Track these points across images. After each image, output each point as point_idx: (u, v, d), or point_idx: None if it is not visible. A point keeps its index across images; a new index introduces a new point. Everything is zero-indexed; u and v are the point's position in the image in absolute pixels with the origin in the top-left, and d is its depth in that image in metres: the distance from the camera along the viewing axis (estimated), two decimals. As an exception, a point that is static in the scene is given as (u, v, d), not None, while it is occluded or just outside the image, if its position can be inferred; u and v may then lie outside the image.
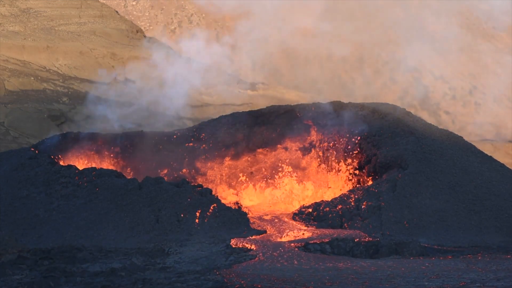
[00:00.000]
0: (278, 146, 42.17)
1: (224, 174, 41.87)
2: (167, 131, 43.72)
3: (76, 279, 23.92)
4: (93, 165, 39.75)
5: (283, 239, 31.46)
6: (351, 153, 39.94)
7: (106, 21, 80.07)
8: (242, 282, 22.24)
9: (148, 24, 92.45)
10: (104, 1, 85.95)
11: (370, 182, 37.83)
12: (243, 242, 30.09)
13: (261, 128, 42.21)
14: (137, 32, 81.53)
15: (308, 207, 36.14)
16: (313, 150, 41.76)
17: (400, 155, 36.95)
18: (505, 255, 29.47)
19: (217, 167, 41.87)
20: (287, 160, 41.83)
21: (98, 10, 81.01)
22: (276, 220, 35.56)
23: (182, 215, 32.98)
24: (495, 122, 78.90)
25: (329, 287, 21.57)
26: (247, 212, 35.69)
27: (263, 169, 42.01)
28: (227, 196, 40.95)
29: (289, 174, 41.68)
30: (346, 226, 33.73)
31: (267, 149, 42.21)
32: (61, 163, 38.82)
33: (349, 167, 39.97)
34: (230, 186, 41.87)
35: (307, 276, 23.36)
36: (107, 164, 40.87)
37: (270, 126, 42.27)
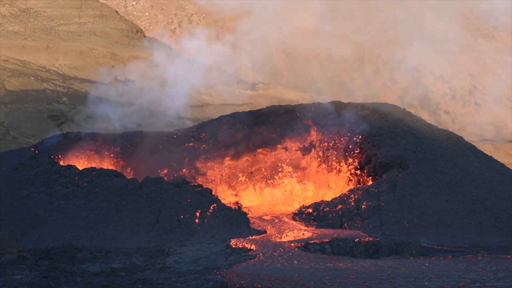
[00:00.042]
0: (278, 146, 42.16)
1: (224, 174, 41.87)
2: (167, 131, 43.72)
3: (76, 279, 23.92)
4: (93, 165, 39.74)
5: (283, 239, 31.46)
6: (351, 153, 39.93)
7: (106, 21, 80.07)
8: (242, 282, 22.24)
9: (148, 24, 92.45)
10: (104, 1, 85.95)
11: (370, 182, 37.83)
12: (243, 242, 30.09)
13: (261, 128, 42.20)
14: (137, 32, 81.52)
15: (308, 207, 36.14)
16: (313, 150, 41.75)
17: (400, 155, 36.95)
18: (505, 255, 29.47)
19: (217, 167, 41.86)
20: (287, 160, 41.83)
21: (98, 10, 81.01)
22: (276, 220, 35.56)
23: (182, 215, 32.98)
24: (495, 122, 78.90)
25: (329, 287, 21.57)
26: (247, 212, 35.68)
27: (263, 169, 42.01)
28: (227, 196, 40.95)
29: (289, 174, 41.68)
30: (346, 226, 33.73)
31: (267, 149, 42.20)
32: (61, 163, 38.81)
33: (349, 167, 39.97)
34: (230, 186, 41.87)
35: (307, 276, 23.36)
36: (107, 164, 40.87)
37: (270, 126, 42.26)
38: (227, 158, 41.96)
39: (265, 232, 32.99)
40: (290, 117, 42.22)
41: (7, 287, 22.88)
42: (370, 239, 30.46)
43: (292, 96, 72.06)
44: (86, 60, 72.33)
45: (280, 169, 41.78)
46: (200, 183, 39.94)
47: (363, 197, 34.94)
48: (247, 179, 41.88)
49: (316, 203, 36.33)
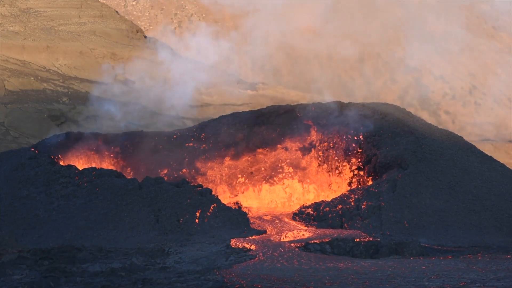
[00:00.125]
0: (278, 146, 42.17)
1: (224, 174, 41.87)
2: (167, 131, 43.73)
3: (76, 279, 23.93)
4: (93, 165, 39.75)
5: (283, 239, 31.46)
6: (351, 153, 39.94)
7: (106, 21, 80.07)
8: (242, 282, 22.24)
9: (148, 24, 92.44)
10: (104, 1, 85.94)
11: (370, 182, 37.84)
12: (243, 242, 30.10)
13: (261, 128, 42.21)
14: (137, 32, 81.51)
15: (308, 207, 36.14)
16: (313, 150, 41.76)
17: (400, 155, 36.95)
18: (505, 255, 29.47)
19: (217, 167, 41.87)
20: (287, 160, 41.84)
21: (98, 10, 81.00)
22: (276, 220, 35.56)
23: (182, 215, 32.99)
24: (495, 122, 78.90)
25: (329, 287, 21.57)
26: (247, 212, 35.69)
27: (263, 169, 42.02)
28: (227, 196, 40.96)
29: (289, 174, 41.68)
30: (346, 226, 33.74)
31: (267, 149, 42.21)
32: (61, 163, 38.82)
33: (349, 167, 39.97)
34: (230, 186, 41.87)
35: (307, 276, 23.37)
36: (107, 164, 40.88)
37: (270, 126, 42.27)
38: (227, 158, 41.96)
39: (265, 232, 32.99)
40: (290, 117, 42.22)
41: (7, 287, 22.89)
42: (370, 239, 30.47)
43: (292, 96, 72.06)
44: (86, 60, 72.33)
45: (280, 169, 41.79)
46: (200, 183, 39.94)
47: (363, 197, 34.95)
48: (247, 179, 41.88)
49: (316, 203, 36.34)
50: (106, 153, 41.29)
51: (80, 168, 36.52)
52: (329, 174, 40.95)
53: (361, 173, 39.18)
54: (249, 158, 42.15)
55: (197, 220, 32.89)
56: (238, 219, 33.45)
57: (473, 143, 41.30)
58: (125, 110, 52.14)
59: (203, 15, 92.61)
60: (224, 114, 44.72)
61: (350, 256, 29.42)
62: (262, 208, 39.87)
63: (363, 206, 34.41)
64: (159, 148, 41.34)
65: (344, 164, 40.25)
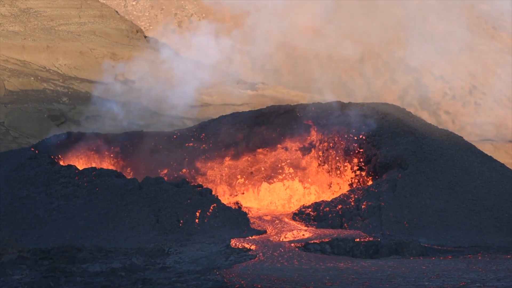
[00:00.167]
0: (278, 146, 42.17)
1: (224, 174, 41.87)
2: (167, 131, 43.74)
3: (76, 279, 23.93)
4: (93, 165, 39.75)
5: (283, 239, 31.46)
6: (351, 153, 39.95)
7: (106, 21, 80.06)
8: (242, 282, 22.24)
9: (148, 24, 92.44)
10: (104, 1, 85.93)
11: (370, 182, 37.84)
12: (243, 242, 30.10)
13: (261, 128, 42.21)
14: (137, 32, 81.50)
15: (308, 207, 36.15)
16: (313, 150, 41.76)
17: (400, 155, 36.95)
18: (505, 255, 29.47)
19: (217, 167, 41.86)
20: (287, 160, 41.84)
21: (98, 10, 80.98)
22: (276, 220, 35.57)
23: (182, 215, 32.98)
24: (495, 122, 78.88)
25: (329, 287, 21.57)
26: (247, 212, 35.69)
27: (263, 169, 42.01)
28: (227, 196, 40.96)
29: (289, 174, 41.68)
30: (346, 226, 33.74)
31: (267, 149, 42.21)
32: (61, 163, 38.82)
33: (349, 167, 39.97)
34: (230, 186, 41.87)
35: (307, 276, 23.37)
36: (107, 164, 40.87)
37: (270, 126, 42.27)
38: (227, 158, 41.96)
39: (265, 232, 32.99)
40: (290, 117, 42.22)
41: (7, 287, 22.89)
42: (370, 239, 30.47)
43: (292, 96, 72.05)
44: (86, 60, 72.32)
45: (280, 169, 41.78)
46: (200, 183, 39.94)
47: (363, 197, 34.95)
48: (247, 179, 41.87)
49: (316, 203, 36.35)
50: (106, 153, 41.30)
51: (80, 168, 36.52)
52: (329, 174, 40.95)
53: (361, 173, 39.18)
54: (249, 158, 42.15)
55: (197, 220, 32.89)
56: (238, 219, 33.46)
57: (473, 143, 41.30)
58: (125, 110, 52.13)
59: (203, 15, 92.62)
60: (224, 114, 44.73)
61: (350, 256, 29.42)
62: (262, 208, 39.87)
63: (363, 206, 34.41)
64: (159, 148, 41.34)
65: (344, 164, 40.25)
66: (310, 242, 30.08)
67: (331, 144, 41.06)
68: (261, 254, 27.99)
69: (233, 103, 68.16)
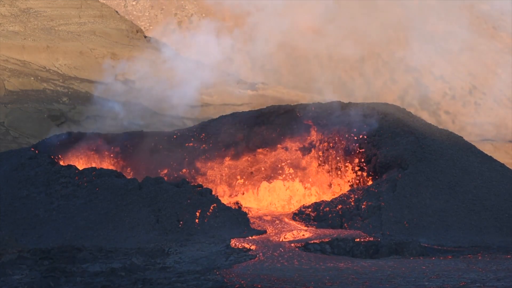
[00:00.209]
0: (278, 146, 42.17)
1: (224, 174, 41.87)
2: (167, 131, 43.75)
3: (76, 279, 23.93)
4: (93, 165, 39.75)
5: (283, 239, 31.46)
6: (351, 153, 39.95)
7: (106, 21, 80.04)
8: (242, 282, 22.24)
9: (148, 24, 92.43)
10: (104, 1, 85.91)
11: (370, 182, 37.85)
12: (243, 242, 30.09)
13: (261, 128, 42.21)
14: (137, 32, 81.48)
15: (308, 207, 36.15)
16: (313, 150, 41.76)
17: (400, 155, 36.95)
18: (505, 255, 29.47)
19: (217, 167, 41.86)
20: (287, 160, 41.84)
21: (98, 10, 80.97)
22: (276, 220, 35.57)
23: (182, 215, 32.98)
24: (495, 122, 78.87)
25: (329, 287, 21.57)
26: (247, 212, 35.69)
27: (263, 169, 42.02)
28: (227, 196, 40.96)
29: (289, 174, 41.68)
30: (346, 226, 33.74)
31: (267, 149, 42.21)
32: (61, 163, 38.82)
33: (349, 167, 39.98)
34: (230, 186, 41.88)
35: (307, 276, 23.37)
36: (107, 164, 40.88)
37: (270, 126, 42.27)
38: (227, 158, 41.96)
39: (265, 232, 32.99)
40: (290, 117, 42.22)
41: (7, 287, 22.89)
42: (370, 239, 30.47)
43: (292, 96, 72.04)
44: (86, 60, 72.31)
45: (280, 169, 41.78)
46: (200, 183, 39.94)
47: (363, 197, 34.95)
48: (247, 179, 41.87)
49: (316, 203, 36.35)
50: (106, 153, 41.30)
51: (80, 168, 36.51)
52: (329, 174, 40.95)
53: (361, 173, 39.19)
54: (249, 158, 42.15)
55: (197, 220, 32.89)
56: (238, 219, 33.46)
57: (473, 143, 41.31)
58: (125, 110, 52.14)
59: (203, 15, 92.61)
60: (224, 114, 44.73)
61: (350, 256, 29.42)
62: (262, 208, 39.87)
63: (363, 206, 34.41)
64: (159, 148, 41.34)
65: (344, 164, 40.25)
66: (310, 242, 30.08)
67: (331, 144, 41.06)
68: (261, 254, 27.99)
69: (233, 103, 68.16)
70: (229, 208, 34.16)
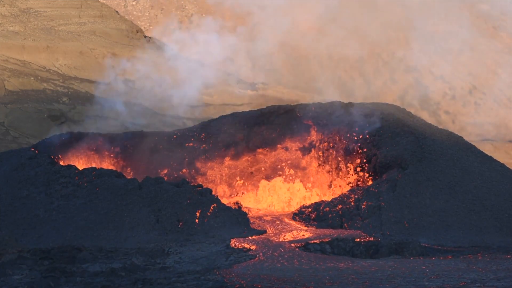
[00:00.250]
0: (278, 146, 42.17)
1: (224, 174, 41.88)
2: (167, 131, 43.75)
3: (76, 279, 23.93)
4: (93, 165, 39.75)
5: (283, 239, 31.46)
6: (351, 153, 39.94)
7: (106, 21, 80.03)
8: (242, 282, 22.24)
9: (148, 24, 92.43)
10: (104, 1, 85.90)
11: (370, 182, 37.84)
12: (243, 242, 30.09)
13: (261, 128, 42.21)
14: (137, 32, 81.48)
15: (308, 207, 36.15)
16: (313, 150, 41.76)
17: (400, 155, 36.95)
18: (505, 255, 29.47)
19: (217, 167, 41.87)
20: (287, 160, 41.84)
21: (98, 10, 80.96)
22: (276, 220, 35.57)
23: (182, 215, 32.98)
24: (495, 122, 78.84)
25: (329, 287, 21.57)
26: (247, 212, 35.69)
27: (263, 169, 42.02)
28: (227, 196, 40.96)
29: (289, 174, 41.68)
30: (346, 226, 33.74)
31: (267, 149, 42.21)
32: (61, 163, 38.82)
33: (349, 167, 39.98)
34: (230, 186, 41.88)
35: (308, 276, 23.37)
36: (107, 164, 40.88)
37: (270, 126, 42.28)
38: (227, 158, 41.96)
39: (265, 232, 32.99)
40: (290, 117, 42.23)
41: (7, 287, 22.89)
42: (370, 239, 30.47)
43: (292, 96, 72.04)
44: (86, 60, 72.31)
45: (280, 169, 41.78)
46: (200, 183, 39.94)
47: (363, 197, 34.95)
48: (247, 179, 41.87)
49: (316, 203, 36.35)
50: (106, 153, 41.30)
51: (80, 168, 36.51)
52: (329, 174, 40.95)
53: (361, 173, 39.19)
54: (249, 158, 42.16)
55: (197, 220, 32.89)
56: (238, 219, 33.45)
57: (473, 143, 41.31)
58: (125, 110, 52.14)
59: (203, 15, 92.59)
60: (224, 114, 44.74)
61: (350, 256, 29.42)
62: (262, 208, 39.87)
63: (363, 206, 34.41)
64: (159, 148, 41.35)
65: (344, 164, 40.25)
66: (310, 242, 30.08)
67: (331, 144, 41.06)
68: (261, 254, 27.99)
69: (233, 103, 68.16)
70: (229, 208, 34.16)
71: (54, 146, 39.83)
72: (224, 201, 36.42)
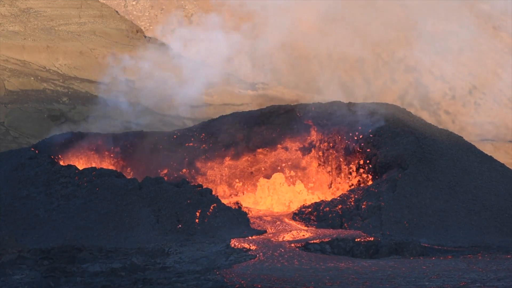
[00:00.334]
0: (278, 146, 42.17)
1: (224, 174, 41.88)
2: (167, 131, 43.76)
3: (76, 279, 23.93)
4: (93, 165, 39.75)
5: (283, 239, 31.46)
6: (351, 153, 39.94)
7: (106, 21, 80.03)
8: (242, 282, 22.24)
9: (148, 24, 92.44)
10: (104, 1, 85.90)
11: (370, 182, 37.84)
12: (243, 242, 30.09)
13: (261, 128, 42.21)
14: (137, 32, 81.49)
15: (308, 207, 36.14)
16: (313, 150, 41.76)
17: (400, 155, 36.94)
18: (505, 255, 29.47)
19: (217, 167, 41.87)
20: (287, 160, 41.83)
21: (98, 10, 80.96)
22: (276, 220, 35.56)
23: (182, 215, 32.98)
24: (495, 122, 78.84)
25: (329, 287, 21.56)
26: (247, 212, 35.68)
27: (263, 169, 42.01)
28: (227, 196, 40.96)
29: (289, 174, 41.68)
30: (346, 226, 33.73)
31: (267, 149, 42.21)
32: (61, 163, 38.82)
33: (349, 167, 39.97)
34: (230, 186, 41.87)
35: (308, 276, 23.36)
36: (107, 164, 40.88)
37: (270, 126, 42.28)
38: (227, 158, 41.96)
39: (265, 232, 32.98)
40: (290, 117, 42.23)
41: (7, 287, 22.89)
42: (370, 239, 30.47)
43: (292, 96, 72.05)
44: (86, 60, 72.31)
45: (280, 169, 41.77)
46: (200, 183, 39.94)
47: (363, 197, 34.95)
48: (247, 179, 41.87)
49: (316, 203, 36.34)
50: (106, 153, 41.30)
51: (80, 168, 36.51)
52: (329, 174, 40.94)
53: (361, 173, 39.18)
54: (249, 158, 42.15)
55: (197, 220, 32.88)
56: (238, 219, 33.45)
57: (473, 143, 41.29)
58: (126, 110, 52.13)
59: (203, 15, 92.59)
60: (224, 114, 44.74)
61: (350, 256, 29.42)
62: (262, 208, 39.86)
63: (363, 206, 34.41)
64: (159, 148, 41.35)
65: (344, 164, 40.25)
66: (310, 242, 30.07)
67: (331, 144, 41.06)
68: (261, 254, 27.99)
69: (233, 103, 68.18)
70: (229, 208, 34.15)
71: (54, 146, 39.82)
72: (224, 201, 36.41)
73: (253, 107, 57.76)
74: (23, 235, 32.36)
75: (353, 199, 35.22)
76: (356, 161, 39.63)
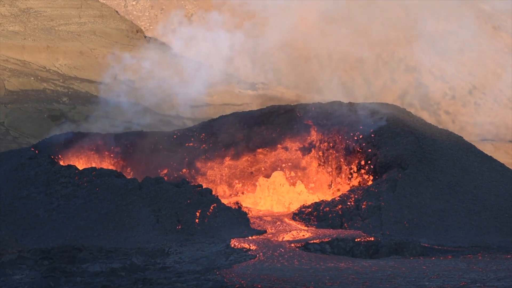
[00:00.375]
0: (278, 146, 42.17)
1: (224, 174, 41.87)
2: (167, 131, 43.76)
3: (76, 279, 23.93)
4: (93, 165, 39.75)
5: (283, 239, 31.46)
6: (351, 153, 39.94)
7: (106, 21, 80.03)
8: (242, 282, 22.24)
9: (148, 24, 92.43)
10: (104, 1, 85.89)
11: (370, 182, 37.84)
12: (243, 242, 30.09)
13: (261, 128, 42.21)
14: (137, 32, 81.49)
15: (308, 207, 36.14)
16: (313, 150, 41.76)
17: (400, 155, 36.95)
18: (505, 255, 29.47)
19: (217, 167, 41.87)
20: (287, 160, 41.83)
21: (98, 10, 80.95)
22: (276, 220, 35.56)
23: (182, 215, 32.98)
24: (495, 122, 78.82)
25: (329, 287, 21.56)
26: (247, 212, 35.68)
27: (263, 169, 42.01)
28: (227, 196, 40.95)
29: (289, 174, 41.67)
30: (346, 226, 33.73)
31: (267, 149, 42.21)
32: (61, 163, 38.82)
33: (349, 167, 39.97)
34: (230, 186, 41.87)
35: (308, 276, 23.36)
36: (107, 164, 40.88)
37: (270, 126, 42.28)
38: (227, 158, 41.96)
39: (265, 232, 32.98)
40: (290, 117, 42.23)
41: (7, 287, 22.89)
42: (370, 239, 30.47)
43: (292, 96, 72.05)
44: (86, 60, 72.31)
45: (280, 169, 41.77)
46: (200, 183, 39.94)
47: (363, 197, 34.95)
48: (247, 179, 41.87)
49: (316, 203, 36.34)
50: (106, 153, 41.30)
51: (80, 168, 36.51)
52: (329, 174, 40.94)
53: (361, 173, 39.18)
54: (249, 158, 42.15)
55: (197, 220, 32.88)
56: (238, 219, 33.45)
57: (473, 143, 41.30)
58: (126, 110, 52.13)
59: (203, 15, 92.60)
60: (224, 114, 44.74)
61: (350, 256, 29.42)
62: (262, 208, 39.86)
63: (363, 206, 34.41)
64: (159, 148, 41.34)
65: (344, 164, 40.25)
66: (310, 242, 30.08)
67: (331, 144, 41.06)
68: (261, 254, 27.99)
69: (233, 103, 68.18)
70: (229, 208, 34.15)
71: (54, 146, 39.82)
72: (224, 201, 36.41)
73: (253, 107, 57.77)
74: (23, 235, 32.36)
75: (353, 199, 35.22)
76: (356, 161, 39.63)
